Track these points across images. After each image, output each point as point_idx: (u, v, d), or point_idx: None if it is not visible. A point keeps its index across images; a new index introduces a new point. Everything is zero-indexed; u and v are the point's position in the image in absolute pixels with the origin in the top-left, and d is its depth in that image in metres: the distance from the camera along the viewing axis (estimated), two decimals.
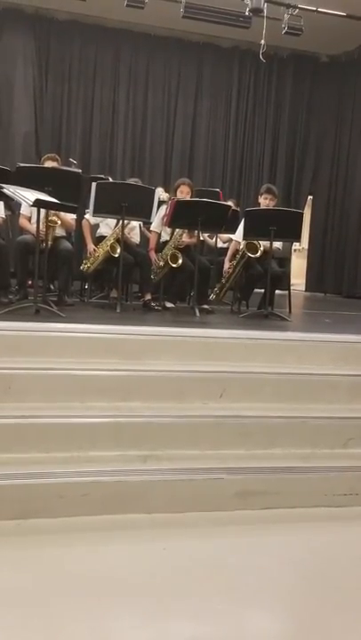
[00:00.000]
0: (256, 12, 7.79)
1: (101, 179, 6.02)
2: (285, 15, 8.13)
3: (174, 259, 5.39)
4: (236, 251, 5.68)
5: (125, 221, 5.06)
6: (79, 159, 8.13)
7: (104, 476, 2.78)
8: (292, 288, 6.59)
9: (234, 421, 3.24)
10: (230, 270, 5.69)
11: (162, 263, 5.48)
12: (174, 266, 5.38)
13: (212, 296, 5.93)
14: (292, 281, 7.22)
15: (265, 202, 5.66)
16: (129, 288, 5.98)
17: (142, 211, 5.05)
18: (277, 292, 5.94)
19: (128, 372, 3.40)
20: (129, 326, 3.89)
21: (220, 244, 6.93)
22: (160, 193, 6.16)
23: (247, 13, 7.90)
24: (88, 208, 5.07)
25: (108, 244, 5.23)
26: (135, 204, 4.90)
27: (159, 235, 5.70)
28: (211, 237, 7.01)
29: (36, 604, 2.06)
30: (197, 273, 5.22)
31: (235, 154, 10.26)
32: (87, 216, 5.42)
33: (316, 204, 10.72)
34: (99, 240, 5.50)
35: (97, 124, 9.63)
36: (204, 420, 3.24)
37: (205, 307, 5.51)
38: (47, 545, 2.49)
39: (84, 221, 5.58)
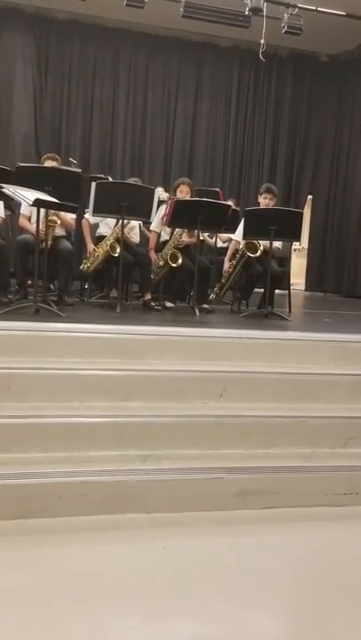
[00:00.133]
0: (256, 11, 7.79)
1: (101, 178, 6.01)
2: (285, 14, 8.12)
3: (174, 258, 5.38)
4: (236, 250, 5.68)
5: (125, 221, 5.06)
6: (79, 159, 8.13)
7: (104, 475, 2.77)
8: (292, 288, 6.59)
9: (234, 421, 3.23)
10: (230, 270, 5.69)
11: (162, 263, 5.48)
12: (174, 265, 5.38)
13: (212, 296, 5.93)
14: (292, 280, 7.22)
15: (265, 201, 5.66)
16: (129, 288, 5.98)
17: (142, 210, 5.05)
18: (277, 291, 5.94)
19: (128, 371, 3.40)
20: (129, 326, 3.89)
21: (219, 244, 6.93)
22: (160, 193, 6.16)
23: (247, 13, 7.89)
24: (88, 208, 5.06)
25: (108, 243, 5.23)
26: (135, 204, 4.90)
27: (159, 234, 5.70)
28: (210, 237, 7.01)
29: (36, 604, 2.06)
30: (197, 273, 5.22)
31: (234, 153, 10.26)
32: (87, 216, 5.42)
33: (315, 203, 10.72)
34: (98, 240, 5.50)
35: (97, 123, 9.62)
36: (203, 419, 3.24)
37: (205, 306, 5.52)
38: (47, 545, 2.49)
39: (83, 221, 5.58)
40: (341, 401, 3.61)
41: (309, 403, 3.53)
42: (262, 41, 8.14)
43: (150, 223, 5.57)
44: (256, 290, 5.84)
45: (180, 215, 5.12)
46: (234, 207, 6.19)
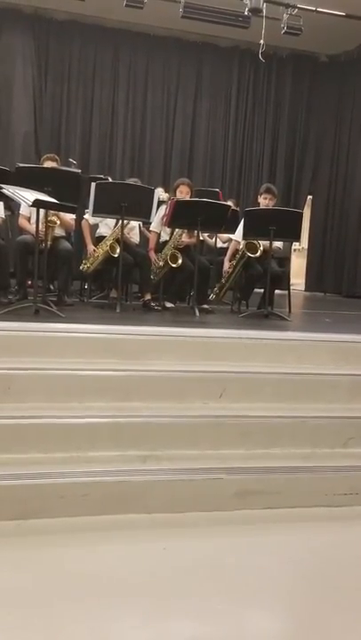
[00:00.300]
0: (255, 11, 7.79)
1: (101, 179, 6.02)
2: (285, 15, 8.13)
3: (174, 259, 5.39)
4: (236, 250, 5.68)
5: (125, 221, 5.06)
6: (79, 159, 8.13)
7: (104, 476, 2.77)
8: (291, 288, 6.59)
9: (234, 421, 3.23)
10: (230, 270, 5.69)
11: (161, 263, 5.48)
12: (174, 266, 5.39)
13: (212, 296, 5.93)
14: (292, 281, 7.22)
15: (265, 201, 5.66)
16: (129, 288, 5.98)
17: (142, 211, 5.05)
18: (277, 291, 5.94)
19: (128, 372, 3.40)
20: (129, 326, 3.88)
21: (219, 244, 6.93)
22: (160, 193, 6.16)
23: (246, 13, 7.90)
24: (87, 208, 5.06)
25: (108, 244, 5.23)
26: (135, 204, 4.90)
27: (159, 235, 5.70)
28: (210, 237, 7.01)
29: (36, 605, 2.06)
30: (197, 273, 5.22)
31: (234, 154, 10.26)
32: (87, 216, 5.42)
33: (315, 203, 10.72)
34: (98, 240, 5.50)
35: (96, 123, 9.63)
36: (203, 420, 3.24)
37: (205, 306, 5.52)
38: (47, 545, 2.49)
39: (83, 222, 5.58)
40: (341, 401, 3.61)
41: (309, 403, 3.53)
42: (262, 41, 8.15)
43: (150, 223, 5.57)
44: (256, 290, 5.84)
45: (180, 215, 5.13)
46: (233, 207, 6.19)
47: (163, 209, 5.45)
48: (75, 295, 6.12)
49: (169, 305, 5.57)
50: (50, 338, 3.55)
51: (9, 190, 4.23)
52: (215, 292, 5.91)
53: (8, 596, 2.09)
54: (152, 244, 5.75)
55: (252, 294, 5.84)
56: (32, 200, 4.13)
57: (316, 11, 8.26)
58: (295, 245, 8.57)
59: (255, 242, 5.42)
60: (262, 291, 5.61)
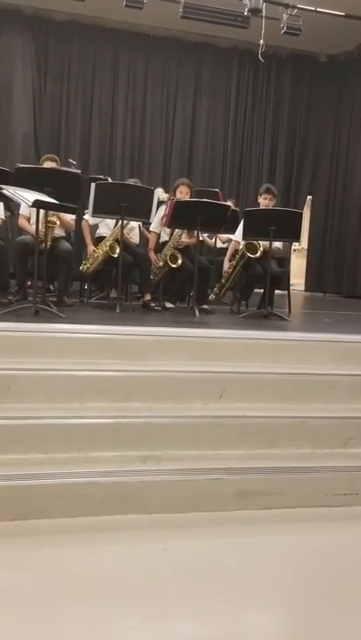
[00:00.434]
0: (255, 11, 7.80)
1: (100, 179, 6.02)
2: (284, 15, 8.14)
3: (174, 259, 5.39)
4: (236, 251, 5.68)
5: (125, 222, 5.06)
6: (78, 159, 8.13)
7: (104, 476, 2.78)
8: (291, 288, 6.59)
9: (234, 422, 3.23)
10: (230, 270, 5.69)
11: (161, 263, 5.48)
12: (174, 266, 5.39)
13: (212, 296, 5.93)
14: (292, 281, 7.22)
15: (265, 202, 5.66)
16: (128, 288, 5.98)
17: (141, 211, 5.05)
18: (277, 291, 5.94)
19: (128, 372, 3.40)
20: (128, 327, 3.89)
21: (219, 244, 6.93)
22: (160, 193, 6.16)
23: (246, 13, 7.90)
24: (87, 209, 5.07)
25: (108, 244, 5.23)
26: (134, 205, 4.90)
27: (158, 235, 5.70)
28: (210, 237, 7.01)
29: (36, 605, 2.06)
30: (197, 273, 5.22)
31: (234, 154, 10.26)
32: (86, 217, 5.42)
33: (315, 203, 10.72)
34: (98, 240, 5.50)
35: (96, 124, 9.63)
36: (203, 420, 3.24)
37: (205, 307, 5.51)
38: (47, 546, 2.49)
39: (83, 222, 5.58)
40: (341, 401, 3.61)
41: (309, 403, 3.53)
42: (261, 41, 8.15)
43: (150, 224, 5.57)
44: (256, 290, 5.84)
45: (180, 216, 5.13)
46: (233, 208, 6.19)
47: (162, 209, 5.46)
48: (75, 295, 6.12)
49: (169, 305, 5.57)
50: (50, 338, 3.55)
51: (9, 191, 4.24)
52: (215, 292, 5.91)
53: (8, 596, 2.09)
54: (152, 244, 5.75)
55: (252, 294, 5.84)
56: (32, 200, 4.13)
57: (315, 11, 8.27)
58: (295, 245, 8.57)
59: (255, 242, 5.42)
60: (262, 291, 5.61)
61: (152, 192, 5.15)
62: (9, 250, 5.12)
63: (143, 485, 2.80)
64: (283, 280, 5.97)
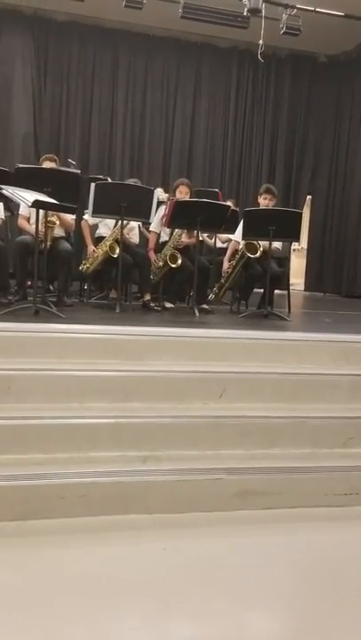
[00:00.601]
0: (254, 12, 7.80)
1: (100, 179, 6.01)
2: (283, 15, 8.14)
3: (173, 259, 5.39)
4: (236, 250, 5.69)
5: (124, 222, 5.06)
6: (78, 159, 8.13)
7: (104, 476, 2.77)
8: (291, 288, 6.59)
9: (234, 422, 3.23)
10: (229, 270, 5.69)
11: (161, 263, 5.48)
12: (173, 266, 5.39)
13: (212, 296, 5.93)
14: (292, 281, 7.22)
15: (264, 202, 5.66)
16: (128, 288, 5.98)
17: (141, 211, 5.04)
18: (277, 291, 5.94)
19: (128, 372, 3.40)
20: (128, 327, 3.89)
21: (219, 244, 6.93)
22: (159, 193, 6.16)
23: (245, 13, 7.90)
24: (87, 209, 5.06)
25: (108, 244, 5.23)
26: (134, 205, 4.90)
27: (158, 235, 5.70)
28: (210, 237, 7.01)
29: (36, 605, 2.06)
30: (197, 273, 5.22)
31: (233, 154, 10.27)
32: (86, 217, 5.42)
33: (315, 203, 10.72)
34: (98, 240, 5.50)
35: (96, 124, 9.63)
36: (203, 420, 3.24)
37: (205, 307, 5.51)
38: (47, 546, 2.48)
39: (83, 222, 5.58)
40: (341, 401, 3.61)
41: (309, 403, 3.53)
42: (261, 41, 8.16)
43: (150, 224, 5.57)
44: (256, 290, 5.84)
45: (180, 216, 5.13)
46: (233, 208, 6.19)
47: (162, 209, 5.46)
48: (74, 296, 6.12)
49: (168, 305, 5.57)
50: (50, 338, 3.55)
51: (8, 191, 4.24)
52: (215, 291, 5.91)
53: (8, 596, 2.09)
54: (151, 244, 5.75)
55: (252, 294, 5.84)
56: (32, 201, 4.13)
57: (314, 11, 8.27)
58: (295, 245, 8.58)
59: (255, 242, 5.42)
60: (262, 291, 5.61)
61: (152, 192, 5.15)
62: (9, 250, 5.12)
63: (143, 485, 2.80)
64: (282, 280, 5.97)
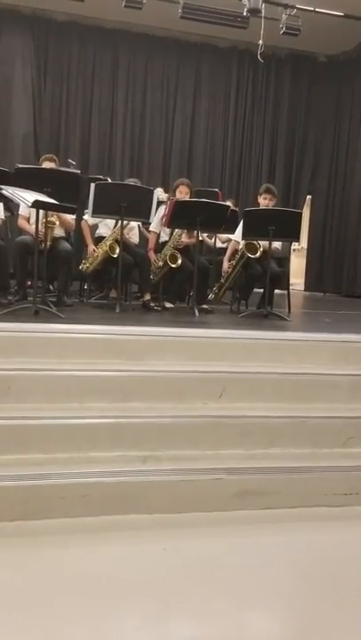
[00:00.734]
0: (254, 12, 7.79)
1: (100, 179, 6.01)
2: (283, 15, 8.14)
3: (173, 259, 5.39)
4: (235, 250, 5.69)
5: (124, 222, 5.06)
6: (78, 160, 8.13)
7: (104, 476, 2.78)
8: (291, 288, 6.59)
9: (234, 421, 3.24)
10: (229, 270, 5.69)
11: (161, 263, 5.48)
12: (173, 266, 5.39)
13: (212, 296, 5.93)
14: (292, 280, 7.22)
15: (264, 202, 5.66)
16: (128, 288, 5.98)
17: (141, 211, 5.05)
18: (277, 291, 5.94)
19: (128, 372, 3.40)
20: (128, 327, 3.89)
21: (219, 244, 6.92)
22: (159, 193, 6.16)
23: (245, 14, 7.90)
24: (87, 209, 5.07)
25: (107, 244, 5.23)
26: (134, 205, 4.90)
27: (158, 235, 5.71)
28: (210, 237, 7.01)
29: (36, 605, 2.06)
30: (197, 273, 5.22)
31: (233, 154, 10.27)
32: (86, 217, 5.42)
33: (315, 203, 10.72)
34: (98, 240, 5.50)
35: (96, 124, 9.63)
36: (203, 420, 3.24)
37: (205, 307, 5.52)
38: (47, 546, 2.49)
39: (83, 222, 5.58)
40: (341, 401, 3.61)
41: (309, 403, 3.53)
42: (260, 42, 8.15)
43: (149, 224, 5.58)
44: (255, 290, 5.84)
45: (180, 216, 5.13)
46: (233, 207, 6.19)
47: (162, 209, 5.46)
48: (74, 296, 6.12)
49: (168, 305, 5.58)
50: (50, 338, 3.55)
51: (8, 191, 4.24)
52: (215, 291, 5.91)
53: (8, 596, 2.09)
54: (151, 244, 5.75)
55: (252, 294, 5.84)
56: (32, 201, 4.13)
57: (314, 11, 8.26)
58: (295, 245, 8.57)
59: (255, 242, 5.42)
60: (262, 290, 5.61)
61: (152, 192, 5.15)
62: (9, 250, 5.12)
63: (143, 485, 2.80)
64: (282, 280, 5.97)
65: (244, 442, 3.18)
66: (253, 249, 5.42)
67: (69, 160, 7.05)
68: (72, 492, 2.69)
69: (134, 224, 5.60)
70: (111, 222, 5.43)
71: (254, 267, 5.50)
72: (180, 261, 5.38)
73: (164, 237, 5.65)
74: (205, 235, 6.82)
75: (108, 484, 2.75)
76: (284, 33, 8.19)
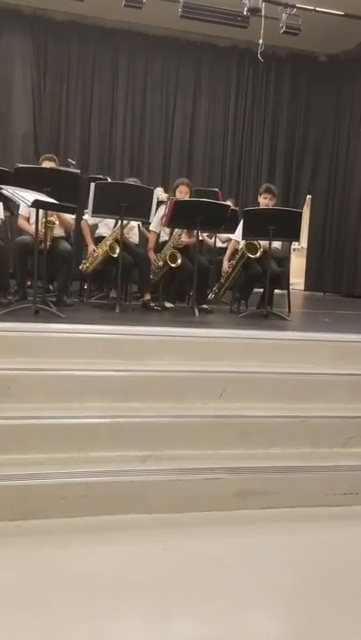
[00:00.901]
0: (254, 11, 7.79)
1: (100, 179, 6.01)
2: (283, 14, 8.13)
3: (173, 258, 5.39)
4: (235, 250, 5.69)
5: (124, 221, 5.05)
6: (78, 159, 8.13)
7: (104, 476, 2.78)
8: (291, 287, 6.59)
9: (233, 421, 3.24)
10: (229, 270, 5.69)
11: (161, 263, 5.48)
12: (173, 266, 5.39)
13: (212, 295, 5.93)
14: (292, 280, 7.22)
15: (265, 201, 5.66)
16: (128, 288, 5.98)
17: (141, 211, 5.04)
18: (277, 291, 5.94)
19: (127, 372, 3.40)
20: (128, 326, 3.89)
21: (218, 244, 6.93)
22: (159, 193, 6.16)
23: (245, 13, 7.90)
24: (87, 208, 5.07)
25: (107, 244, 5.23)
26: (134, 204, 4.90)
27: (158, 235, 5.71)
28: (210, 237, 7.01)
29: (37, 605, 2.06)
30: (196, 273, 5.22)
31: (233, 153, 10.26)
32: (86, 217, 5.42)
33: (315, 203, 10.72)
34: (98, 240, 5.50)
35: (95, 124, 9.63)
36: (203, 419, 3.24)
37: (205, 306, 5.52)
38: (47, 546, 2.49)
39: (83, 222, 5.58)
40: (341, 401, 3.61)
41: (309, 402, 3.53)
42: (261, 41, 8.15)
43: (149, 223, 5.57)
44: (255, 290, 5.84)
45: (179, 215, 5.13)
46: (233, 207, 6.19)
47: (162, 209, 5.46)
48: (74, 295, 6.12)
49: (168, 305, 5.58)
50: (50, 338, 3.55)
51: (8, 191, 4.24)
52: (214, 291, 5.91)
53: (8, 596, 2.09)
54: (151, 243, 5.75)
55: (252, 294, 5.84)
56: (32, 201, 4.13)
57: (314, 10, 8.26)
58: (295, 245, 8.57)
59: (255, 242, 5.42)
60: (262, 290, 5.61)
61: (152, 192, 5.15)
62: (8, 250, 5.12)
63: (143, 485, 2.80)
64: (282, 279, 5.97)
65: (244, 442, 3.18)
66: (254, 249, 5.42)
67: (69, 160, 7.05)
68: (72, 491, 2.69)
69: (134, 224, 5.60)
70: (111, 222, 5.43)
71: (254, 267, 5.50)
72: (179, 261, 5.38)
73: (163, 237, 5.65)
74: (205, 234, 6.82)
75: (108, 483, 2.75)
76: (284, 32, 8.19)
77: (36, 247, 4.44)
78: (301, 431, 3.30)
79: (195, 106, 10.07)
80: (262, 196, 5.69)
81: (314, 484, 3.02)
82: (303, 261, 10.99)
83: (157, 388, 3.35)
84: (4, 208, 5.23)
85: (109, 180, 6.60)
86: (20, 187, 4.30)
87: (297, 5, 8.10)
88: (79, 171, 5.86)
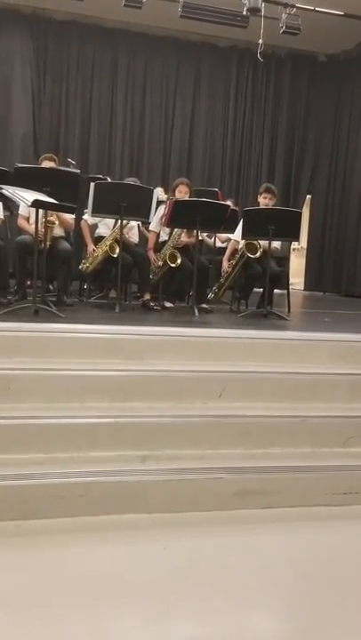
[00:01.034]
0: (254, 11, 7.79)
1: (100, 179, 6.01)
2: (283, 14, 8.14)
3: (173, 258, 5.39)
4: (235, 250, 5.69)
5: (124, 221, 5.05)
6: (77, 159, 8.13)
7: (104, 476, 2.78)
8: (290, 287, 6.59)
9: (233, 421, 3.23)
10: (229, 270, 5.69)
11: (161, 263, 5.48)
12: (173, 265, 5.39)
13: (211, 295, 5.93)
14: (291, 280, 7.22)
15: (264, 201, 5.65)
16: (128, 288, 5.98)
17: (141, 211, 5.05)
18: (276, 291, 5.94)
19: (127, 372, 3.40)
20: (128, 326, 3.89)
21: (218, 244, 6.92)
22: (159, 193, 6.16)
23: (245, 13, 7.90)
24: (87, 208, 5.06)
25: (107, 244, 5.23)
26: (134, 204, 4.90)
27: (158, 234, 5.71)
28: (209, 237, 7.01)
29: (36, 605, 2.06)
30: (196, 272, 5.22)
31: (233, 153, 10.27)
32: (85, 216, 5.42)
33: (314, 202, 10.72)
34: (97, 240, 5.50)
35: (95, 123, 9.63)
36: (203, 419, 3.24)
37: (204, 306, 5.52)
38: (47, 546, 2.49)
39: (82, 222, 5.58)
40: (341, 400, 3.61)
41: (309, 402, 3.53)
42: (260, 41, 8.16)
43: (149, 223, 5.57)
44: (255, 289, 5.84)
45: (179, 215, 5.13)
46: (232, 207, 6.19)
47: (162, 209, 5.46)
48: (74, 295, 6.12)
49: (168, 305, 5.58)
50: (49, 338, 3.55)
51: (8, 191, 4.23)
52: (214, 291, 5.91)
53: (8, 596, 2.09)
54: (151, 243, 5.75)
55: (252, 294, 5.84)
56: (31, 200, 4.13)
57: (314, 10, 8.26)
58: (294, 245, 8.56)
59: (255, 242, 5.42)
60: (261, 290, 5.61)
61: (151, 192, 5.15)
62: (8, 250, 5.12)
63: (143, 485, 2.80)
64: (282, 279, 5.96)
65: (244, 441, 3.18)
66: (253, 249, 5.42)
67: (69, 159, 7.05)
68: (72, 491, 2.69)
69: (134, 224, 5.60)
70: (111, 222, 5.43)
71: (254, 266, 5.50)
72: (179, 261, 5.38)
73: (163, 237, 5.65)
74: (205, 234, 6.82)
75: (107, 483, 2.75)
76: (283, 32, 8.20)
77: (36, 247, 4.44)
78: (301, 431, 3.30)
79: (194, 106, 10.07)
80: (262, 195, 5.69)
81: (314, 483, 3.02)
82: (303, 261, 10.99)
83: (157, 387, 3.35)
84: (4, 208, 5.23)
85: (109, 179, 6.60)
86: (20, 186, 4.30)
87: (297, 5, 8.11)
88: (79, 170, 5.86)
